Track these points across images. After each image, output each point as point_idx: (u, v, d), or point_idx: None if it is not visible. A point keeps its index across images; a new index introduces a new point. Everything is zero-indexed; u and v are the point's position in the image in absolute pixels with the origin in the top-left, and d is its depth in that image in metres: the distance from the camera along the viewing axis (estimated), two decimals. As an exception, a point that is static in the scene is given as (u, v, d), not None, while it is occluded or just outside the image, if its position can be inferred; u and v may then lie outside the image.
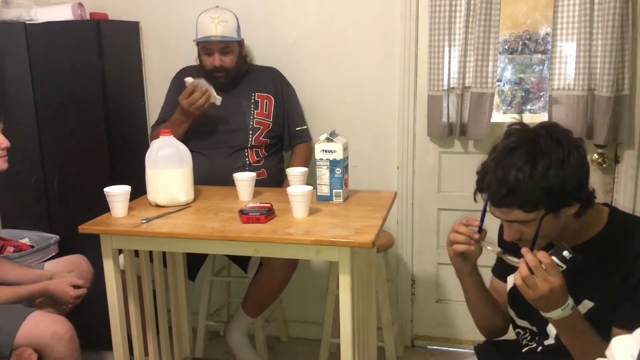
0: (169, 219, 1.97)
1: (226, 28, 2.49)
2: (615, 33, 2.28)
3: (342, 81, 2.76)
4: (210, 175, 2.46)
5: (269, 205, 1.95)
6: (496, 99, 2.75)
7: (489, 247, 1.50)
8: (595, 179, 2.55)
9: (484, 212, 1.42)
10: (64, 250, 2.60)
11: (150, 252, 2.23)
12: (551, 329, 1.49)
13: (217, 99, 2.44)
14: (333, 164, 2.07)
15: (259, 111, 2.60)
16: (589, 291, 1.40)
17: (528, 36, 2.75)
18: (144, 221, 1.92)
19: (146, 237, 1.90)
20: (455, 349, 2.89)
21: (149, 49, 2.96)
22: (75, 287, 2.13)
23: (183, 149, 2.13)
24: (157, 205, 2.09)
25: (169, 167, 2.08)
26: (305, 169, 2.27)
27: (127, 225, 1.92)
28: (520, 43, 2.77)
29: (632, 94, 2.41)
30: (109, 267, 1.98)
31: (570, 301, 1.32)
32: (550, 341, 1.51)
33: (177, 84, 2.69)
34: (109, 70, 2.67)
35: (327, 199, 2.10)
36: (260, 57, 2.79)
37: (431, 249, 2.83)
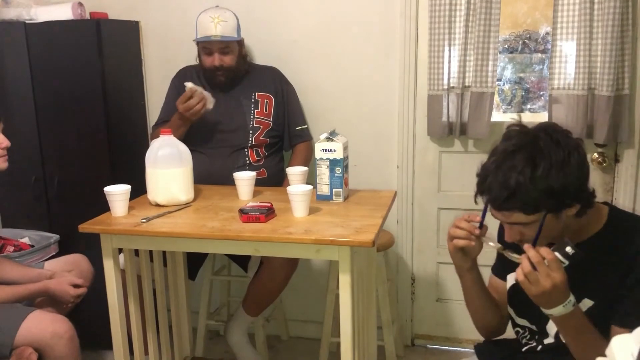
0: (169, 219, 1.98)
1: (226, 28, 2.49)
2: (615, 32, 2.28)
3: (342, 80, 2.76)
4: (211, 174, 2.46)
5: (269, 204, 1.95)
6: (496, 98, 2.75)
7: (490, 243, 1.50)
8: (596, 178, 2.55)
9: (485, 208, 1.42)
10: (64, 249, 2.60)
11: (151, 252, 2.23)
12: (551, 328, 1.49)
13: (211, 102, 2.44)
14: (333, 163, 2.07)
15: (259, 111, 2.60)
16: (589, 290, 1.40)
17: (528, 35, 2.75)
18: (144, 220, 1.92)
19: (146, 237, 1.90)
20: (455, 348, 2.89)
21: (149, 48, 2.96)
22: (75, 286, 2.13)
23: (183, 148, 2.13)
24: (157, 205, 2.09)
25: (169, 166, 2.08)
26: (305, 169, 2.27)
27: (127, 224, 1.92)
28: (520, 42, 2.77)
29: (632, 93, 2.41)
30: (109, 266, 1.98)
31: (572, 298, 1.32)
32: (550, 340, 1.51)
33: (177, 84, 2.69)
34: (109, 70, 2.67)
35: (327, 198, 2.10)
36: (260, 56, 2.79)
37: (431, 248, 2.83)
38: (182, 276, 2.47)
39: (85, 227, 1.94)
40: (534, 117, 2.80)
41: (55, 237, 2.65)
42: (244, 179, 2.19)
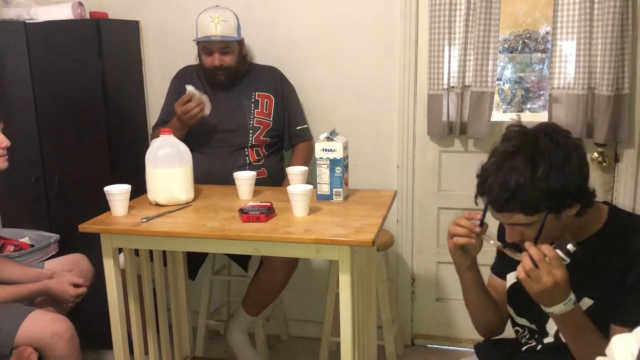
0: (169, 218, 1.98)
1: (226, 27, 2.49)
2: (615, 32, 2.28)
3: (342, 80, 2.76)
4: (211, 174, 2.46)
5: (269, 204, 1.96)
6: (496, 97, 2.75)
7: (491, 242, 1.50)
8: (596, 178, 2.55)
9: (485, 208, 1.42)
10: (64, 249, 2.60)
11: (151, 251, 2.23)
12: (550, 327, 1.49)
13: (208, 108, 2.44)
14: (333, 163, 2.07)
15: (259, 110, 2.60)
16: (589, 289, 1.41)
17: (528, 35, 2.75)
18: (144, 220, 1.92)
19: (146, 236, 1.90)
20: (455, 348, 2.89)
21: (149, 48, 2.96)
22: (76, 286, 2.13)
23: (183, 148, 2.13)
24: (157, 204, 2.09)
25: (169, 166, 2.08)
26: (305, 168, 2.27)
27: (127, 224, 1.92)
28: (520, 42, 2.77)
29: (632, 93, 2.41)
30: (109, 266, 1.98)
31: (572, 296, 1.32)
32: (549, 339, 1.51)
33: (177, 84, 2.69)
34: (109, 70, 2.67)
35: (327, 197, 2.10)
36: (261, 56, 2.79)
37: (431, 248, 2.83)
38: (182, 276, 2.47)
39: (85, 226, 1.94)
40: (534, 116, 2.80)
41: (55, 236, 2.65)
42: (244, 179, 2.19)
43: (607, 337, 1.33)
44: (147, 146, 2.15)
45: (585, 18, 2.33)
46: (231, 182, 2.24)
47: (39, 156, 2.75)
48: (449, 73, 2.55)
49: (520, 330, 1.60)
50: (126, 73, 2.85)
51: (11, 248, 2.51)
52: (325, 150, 2.07)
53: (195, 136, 2.51)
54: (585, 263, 1.36)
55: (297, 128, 2.68)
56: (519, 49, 2.79)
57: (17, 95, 2.72)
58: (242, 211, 1.91)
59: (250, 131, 2.57)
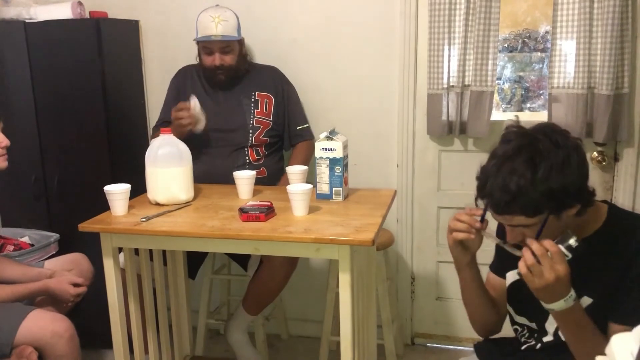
0: (169, 218, 1.98)
1: (227, 27, 2.49)
2: (615, 31, 2.28)
3: (342, 80, 2.76)
4: (210, 173, 2.46)
5: (268, 203, 1.96)
6: (496, 97, 2.75)
7: (491, 238, 1.50)
8: (595, 177, 2.55)
9: (486, 206, 1.42)
10: (64, 248, 2.60)
11: (150, 251, 2.23)
12: (550, 326, 1.49)
13: (200, 127, 2.44)
14: (333, 162, 2.07)
15: (259, 110, 2.60)
16: (588, 287, 1.41)
17: (528, 34, 2.75)
18: (144, 219, 1.92)
19: (146, 236, 1.91)
20: (455, 347, 2.89)
21: (149, 47, 2.96)
22: (75, 285, 2.13)
23: (183, 147, 2.13)
24: (157, 204, 2.09)
25: (169, 165, 2.08)
26: (305, 167, 2.27)
27: (127, 223, 1.92)
28: (520, 41, 2.78)
29: (631, 92, 2.41)
30: (109, 265, 1.98)
31: (573, 293, 1.32)
32: (549, 338, 1.51)
33: (177, 83, 2.69)
34: (109, 69, 2.67)
35: (327, 197, 2.11)
36: (260, 56, 2.79)
37: (431, 247, 2.83)
38: (182, 275, 2.47)
39: (85, 226, 1.94)
40: (533, 116, 2.80)
41: (55, 236, 2.65)
42: (244, 178, 2.19)
43: (606, 335, 1.33)
44: (146, 146, 2.15)
45: (585, 17, 2.33)
46: (231, 181, 2.24)
47: (39, 156, 2.75)
48: (448, 72, 2.55)
49: (520, 329, 1.60)
50: (126, 73, 2.85)
51: (11, 247, 2.51)
52: (325, 149, 2.07)
53: (196, 136, 2.51)
54: (584, 262, 1.36)
55: (298, 128, 2.68)
56: (519, 48, 2.79)
57: (17, 94, 2.72)
58: (242, 210, 1.91)
59: (250, 131, 2.57)
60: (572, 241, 1.31)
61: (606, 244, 1.41)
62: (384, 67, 2.69)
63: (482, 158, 1.40)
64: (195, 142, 2.49)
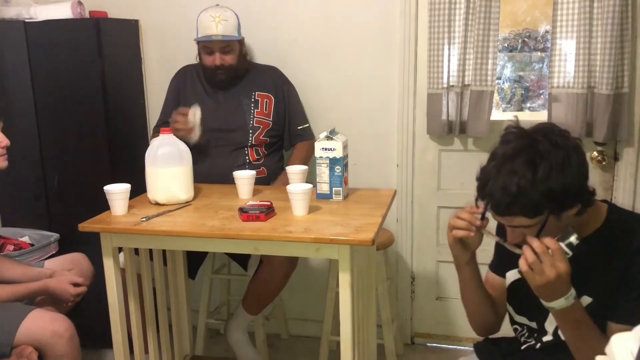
0: (169, 217, 1.98)
1: (227, 27, 2.49)
2: (615, 31, 2.28)
3: (342, 79, 2.76)
4: (210, 173, 2.46)
5: (268, 203, 1.96)
6: (496, 96, 2.75)
7: (491, 236, 1.50)
8: (595, 177, 2.55)
9: (486, 206, 1.42)
10: (64, 248, 2.60)
11: (150, 250, 2.23)
12: (550, 325, 1.49)
13: (194, 138, 2.42)
14: (333, 162, 2.07)
15: (259, 110, 2.60)
16: (588, 287, 1.41)
17: (528, 34, 2.75)
18: (144, 219, 1.92)
19: (146, 235, 1.91)
20: (455, 347, 2.89)
21: (149, 47, 2.96)
22: (75, 285, 2.13)
23: (183, 147, 2.13)
24: (157, 204, 2.09)
25: (168, 165, 2.08)
26: (304, 167, 2.27)
27: (127, 223, 1.92)
28: (519, 41, 2.78)
29: (631, 92, 2.41)
30: (109, 265, 1.98)
31: (573, 291, 1.32)
32: (548, 337, 1.51)
33: (176, 83, 2.69)
34: (109, 69, 2.67)
35: (326, 197, 2.11)
36: (260, 55, 2.79)
37: (431, 247, 2.83)
38: (182, 275, 2.47)
39: (85, 226, 1.94)
40: (533, 115, 2.80)
41: (55, 236, 2.65)
42: (244, 178, 2.19)
43: (606, 335, 1.33)
44: (146, 145, 2.15)
45: (585, 17, 2.33)
46: (231, 181, 2.24)
47: (38, 155, 2.75)
48: (448, 72, 2.55)
49: (519, 329, 1.60)
50: (126, 72, 2.85)
51: (11, 247, 2.51)
52: (325, 149, 2.07)
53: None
54: (584, 261, 1.36)
55: (298, 127, 2.68)
56: (519, 47, 2.79)
57: (17, 94, 2.72)
58: (241, 210, 1.91)
59: (250, 131, 2.57)
60: (573, 238, 1.31)
61: (606, 243, 1.41)
62: (384, 67, 2.69)
63: (482, 158, 1.40)
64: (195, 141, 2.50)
